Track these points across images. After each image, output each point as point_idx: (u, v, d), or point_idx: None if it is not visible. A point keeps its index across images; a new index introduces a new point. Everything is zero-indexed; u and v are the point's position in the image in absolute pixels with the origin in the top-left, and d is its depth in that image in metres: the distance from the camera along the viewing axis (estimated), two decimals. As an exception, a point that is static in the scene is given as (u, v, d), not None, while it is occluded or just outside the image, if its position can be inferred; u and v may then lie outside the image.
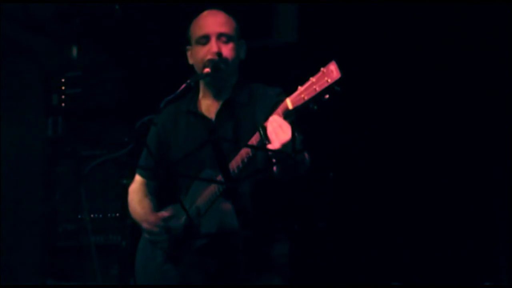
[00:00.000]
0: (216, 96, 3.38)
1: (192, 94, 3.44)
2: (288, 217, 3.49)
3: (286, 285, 3.29)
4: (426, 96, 4.81)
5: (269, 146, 2.74)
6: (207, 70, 3.20)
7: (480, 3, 4.64)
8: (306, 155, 3.12)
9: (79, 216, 5.22)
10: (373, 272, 4.82)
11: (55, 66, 5.44)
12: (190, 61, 3.42)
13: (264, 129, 2.77)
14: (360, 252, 4.87)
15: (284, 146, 2.70)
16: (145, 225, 3.33)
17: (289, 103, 2.74)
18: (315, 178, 4.73)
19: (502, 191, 4.61)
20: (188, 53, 3.43)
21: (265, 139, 2.77)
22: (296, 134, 2.75)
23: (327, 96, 2.65)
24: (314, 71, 2.67)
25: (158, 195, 3.61)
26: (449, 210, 4.73)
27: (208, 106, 3.40)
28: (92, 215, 5.17)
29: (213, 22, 3.33)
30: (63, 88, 5.42)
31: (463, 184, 4.73)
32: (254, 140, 2.89)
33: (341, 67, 2.61)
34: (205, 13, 3.41)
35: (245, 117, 3.29)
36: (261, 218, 3.26)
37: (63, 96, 5.41)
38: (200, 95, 3.44)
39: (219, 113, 3.35)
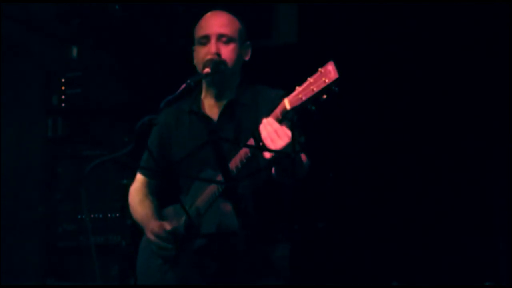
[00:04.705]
0: (218, 96, 3.38)
1: (195, 94, 3.44)
2: (289, 218, 3.49)
3: (286, 285, 3.29)
4: (426, 96, 4.82)
5: (266, 152, 2.74)
6: (207, 70, 3.19)
7: (480, 3, 4.64)
8: (305, 158, 3.12)
9: (79, 216, 5.22)
10: (373, 272, 4.82)
11: (55, 66, 5.43)
12: (194, 61, 3.42)
13: (258, 133, 2.77)
14: (360, 252, 4.87)
15: (281, 152, 2.70)
16: (150, 236, 3.32)
17: (287, 103, 2.74)
18: (315, 178, 4.74)
19: (502, 191, 4.61)
20: (194, 54, 3.43)
21: (259, 144, 2.76)
22: (296, 136, 2.75)
23: (325, 96, 2.64)
24: (313, 72, 2.66)
25: (159, 195, 3.60)
26: (449, 210, 4.73)
27: (211, 106, 3.40)
28: (92, 215, 5.17)
29: (214, 22, 3.33)
30: (63, 88, 5.41)
31: (463, 184, 4.73)
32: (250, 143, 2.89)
33: (340, 67, 2.61)
34: (209, 14, 3.40)
35: (247, 119, 3.28)
36: (261, 219, 3.26)
37: (63, 96, 5.40)
38: (203, 95, 3.44)
39: (221, 114, 3.34)
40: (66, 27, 5.36)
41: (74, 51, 5.48)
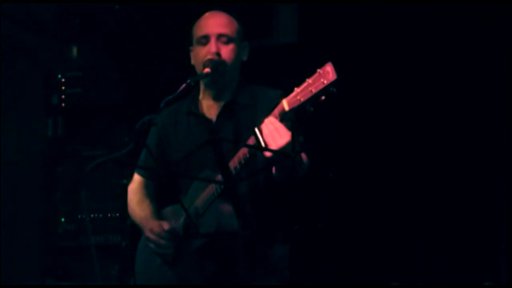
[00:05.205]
0: (217, 97, 3.38)
1: (193, 94, 3.44)
2: (288, 218, 3.49)
3: (286, 285, 3.29)
4: (425, 96, 4.81)
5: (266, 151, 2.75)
6: (207, 70, 3.19)
7: (480, 3, 4.64)
8: (305, 158, 3.13)
9: (79, 216, 5.22)
10: (373, 272, 4.82)
11: (55, 66, 5.43)
12: (192, 61, 3.42)
13: (260, 131, 2.77)
14: (360, 252, 4.86)
15: (282, 150, 2.71)
16: (149, 235, 3.32)
17: (285, 104, 2.75)
18: (315, 179, 4.74)
19: (502, 191, 4.61)
20: (191, 54, 3.43)
21: (261, 142, 2.77)
22: (295, 136, 2.76)
23: (323, 97, 2.65)
24: (312, 72, 2.66)
25: (158, 195, 3.60)
26: (449, 210, 4.72)
27: (209, 107, 3.40)
28: (92, 215, 5.17)
29: (213, 22, 3.33)
30: (63, 88, 5.41)
31: (463, 184, 4.72)
32: (251, 142, 2.90)
33: (339, 67, 2.61)
34: (207, 14, 3.41)
35: (245, 119, 3.28)
36: (260, 219, 3.26)
37: (63, 96, 5.40)
38: (200, 95, 3.44)
39: (220, 115, 3.34)
40: (66, 27, 5.36)
41: (74, 51, 5.48)
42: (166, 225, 3.28)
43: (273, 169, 3.03)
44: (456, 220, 4.70)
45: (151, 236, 3.30)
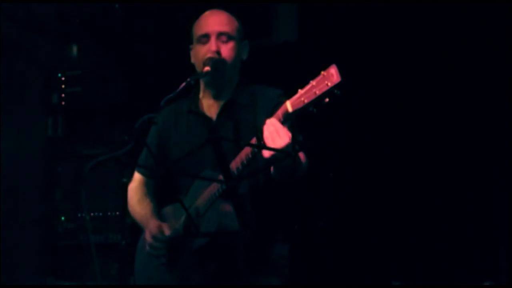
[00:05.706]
0: (217, 96, 3.38)
1: (193, 93, 3.45)
2: (288, 218, 3.49)
3: (286, 285, 3.29)
4: (426, 97, 4.81)
5: (266, 151, 2.75)
6: (207, 68, 3.20)
7: (480, 3, 4.64)
8: (304, 157, 3.13)
9: (79, 215, 5.21)
10: (373, 272, 4.82)
11: (55, 65, 5.42)
12: (192, 60, 3.43)
13: (261, 133, 2.78)
14: (360, 251, 4.87)
15: (281, 150, 2.71)
16: (147, 236, 3.32)
17: (289, 106, 2.75)
18: (315, 179, 4.74)
19: (502, 191, 4.61)
20: (191, 52, 3.44)
21: (261, 143, 2.78)
22: (296, 136, 2.76)
23: (326, 99, 2.65)
24: (313, 71, 2.67)
25: (158, 195, 3.61)
26: (449, 210, 4.73)
27: (209, 106, 3.40)
28: (92, 214, 5.16)
29: (213, 21, 3.34)
30: (63, 87, 5.40)
31: (463, 184, 4.73)
32: (253, 142, 2.90)
33: (340, 66, 2.61)
34: (207, 12, 3.42)
35: (245, 119, 3.29)
36: (260, 219, 3.26)
37: (63, 95, 5.39)
38: (201, 94, 3.45)
39: (220, 114, 3.35)
40: (66, 26, 5.35)
41: (74, 50, 5.47)
42: (166, 230, 3.27)
43: (271, 169, 3.03)
44: (456, 220, 4.70)
45: (150, 239, 3.30)
